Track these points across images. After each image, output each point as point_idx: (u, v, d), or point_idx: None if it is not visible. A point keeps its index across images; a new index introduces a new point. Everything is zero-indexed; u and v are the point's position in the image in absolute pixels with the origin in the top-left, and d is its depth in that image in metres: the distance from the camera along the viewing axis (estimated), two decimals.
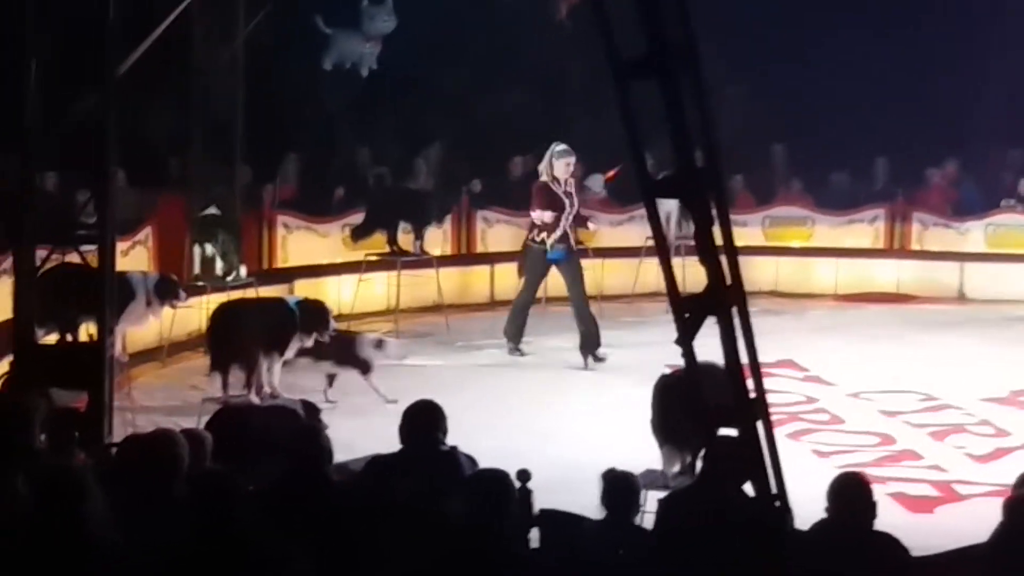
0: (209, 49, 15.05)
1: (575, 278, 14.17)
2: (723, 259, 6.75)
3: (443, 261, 16.80)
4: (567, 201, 14.07)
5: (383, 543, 6.65)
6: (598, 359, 13.96)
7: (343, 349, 12.48)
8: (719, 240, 6.80)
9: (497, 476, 6.31)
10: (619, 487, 6.80)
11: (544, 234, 14.03)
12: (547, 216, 13.94)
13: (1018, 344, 15.12)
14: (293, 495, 6.89)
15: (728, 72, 17.62)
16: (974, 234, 18.30)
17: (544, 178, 14.12)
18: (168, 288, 12.82)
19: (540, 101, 18.99)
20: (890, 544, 6.38)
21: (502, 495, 6.19)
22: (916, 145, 18.71)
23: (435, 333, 15.81)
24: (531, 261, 14.33)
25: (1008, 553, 6.27)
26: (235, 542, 5.80)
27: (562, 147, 14.14)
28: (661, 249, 7.00)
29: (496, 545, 6.03)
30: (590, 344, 14.02)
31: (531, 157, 18.65)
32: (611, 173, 18.09)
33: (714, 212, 6.80)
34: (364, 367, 12.49)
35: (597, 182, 18.27)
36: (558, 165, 14.07)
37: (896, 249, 18.46)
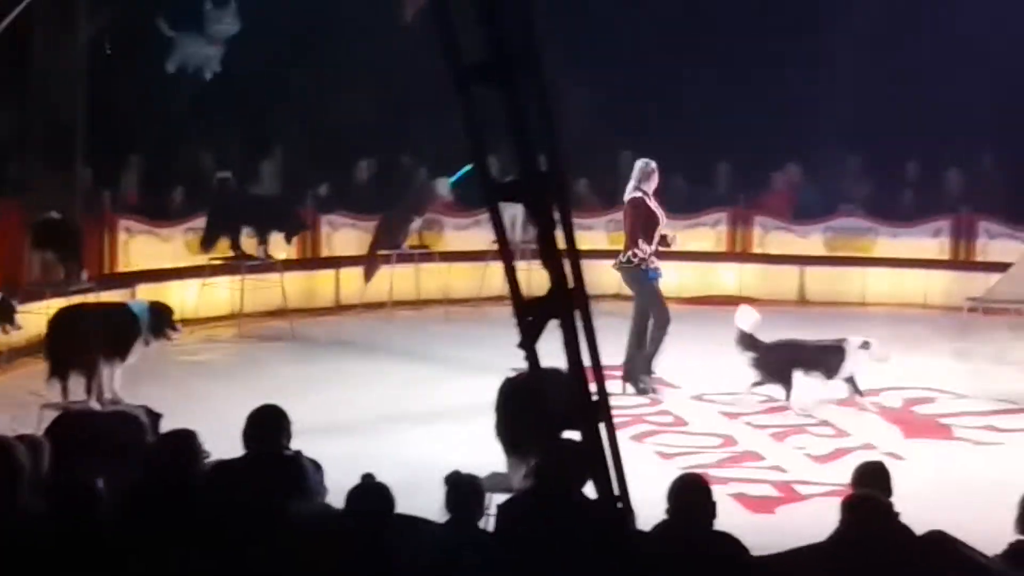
0: (49, 51, 14.82)
1: (655, 301, 13.56)
2: (566, 263, 6.78)
3: (288, 265, 16.71)
4: (661, 216, 13.54)
5: (233, 545, 6.61)
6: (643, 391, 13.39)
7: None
8: (562, 244, 6.83)
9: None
10: (462, 490, 6.81)
11: (641, 253, 13.27)
12: (651, 244, 13.36)
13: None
14: (153, 498, 6.82)
15: (573, 77, 17.76)
16: (814, 237, 18.62)
17: (638, 194, 13.40)
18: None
19: (386, 104, 18.96)
20: (730, 544, 6.46)
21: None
22: (757, 150, 19.01)
23: (280, 338, 15.72)
24: (637, 283, 13.54)
25: (846, 551, 6.38)
26: (98, 548, 5.74)
27: (650, 161, 13.58)
28: (504, 252, 7.00)
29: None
30: (642, 369, 13.48)
31: (375, 160, 18.67)
32: (458, 176, 18.13)
33: (557, 216, 6.83)
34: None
35: (443, 186, 18.26)
36: (652, 180, 13.48)
37: (738, 252, 18.73)
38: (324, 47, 19.05)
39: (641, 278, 13.36)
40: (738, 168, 19.32)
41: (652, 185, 13.43)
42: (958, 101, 18.32)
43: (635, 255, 13.25)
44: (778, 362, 12.99)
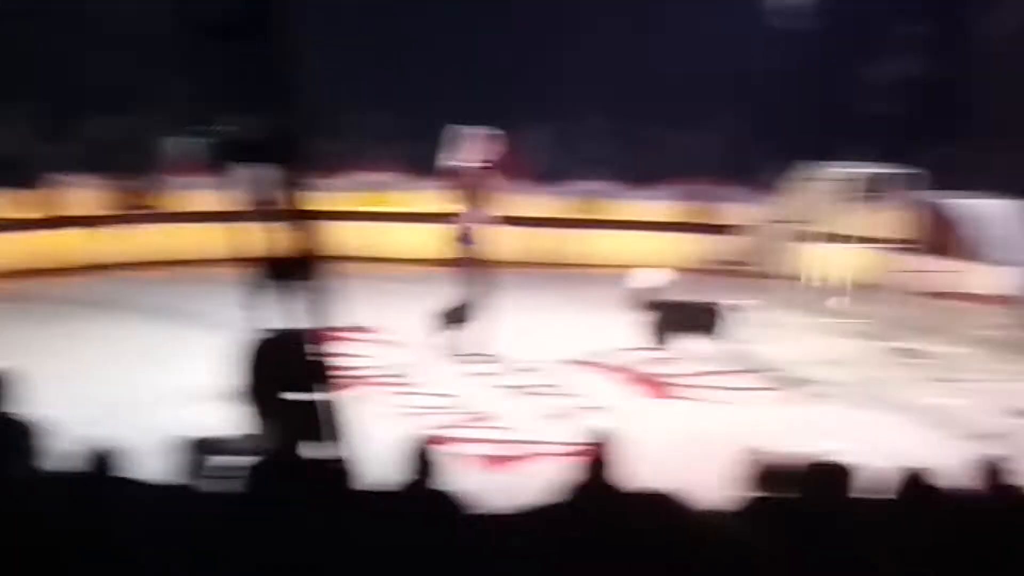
0: None
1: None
2: (303, 223, 6.75)
3: (25, 225, 16.26)
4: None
5: None
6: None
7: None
8: (301, 206, 6.80)
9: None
10: (193, 452, 6.75)
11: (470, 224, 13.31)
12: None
13: (594, 308, 15.63)
14: None
15: (323, 39, 17.61)
16: (559, 200, 18.80)
17: (467, 164, 13.41)
18: None
19: (128, 63, 18.56)
20: (460, 501, 6.50)
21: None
22: (503, 113, 19.07)
23: (15, 298, 15.32)
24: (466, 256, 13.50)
25: (573, 508, 6.47)
26: None
27: (477, 130, 13.60)
28: (242, 213, 6.94)
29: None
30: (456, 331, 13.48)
31: (117, 120, 18.30)
32: (197, 134, 17.88)
33: (295, 177, 6.79)
34: None
35: (178, 144, 18.03)
36: (480, 149, 13.45)
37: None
38: (65, 3, 18.56)
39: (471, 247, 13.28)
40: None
41: (479, 153, 13.42)
42: (696, 67, 18.68)
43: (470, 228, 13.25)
44: (665, 322, 13.21)
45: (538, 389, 12.44)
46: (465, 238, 13.17)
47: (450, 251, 13.39)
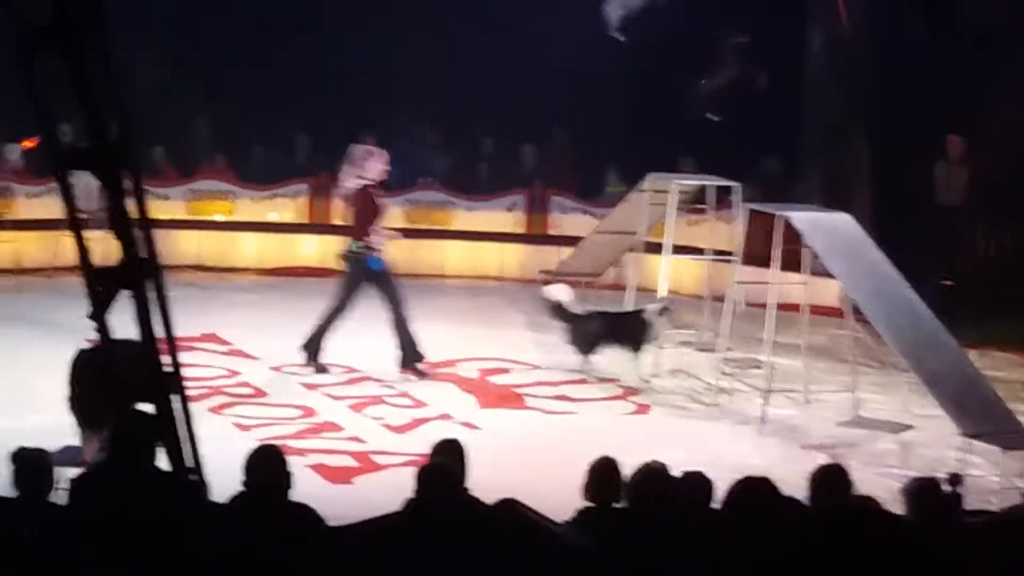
0: None
1: (394, 287, 13.27)
2: (140, 232, 6.66)
3: None
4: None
5: None
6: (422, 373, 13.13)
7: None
8: (138, 214, 6.70)
9: None
10: (28, 465, 6.63)
11: (367, 242, 13.00)
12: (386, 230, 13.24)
13: (434, 318, 15.62)
14: None
15: (149, 44, 17.44)
16: (393, 209, 18.73)
17: (360, 182, 13.09)
18: None
19: None
20: (305, 513, 6.46)
21: None
22: (337, 121, 19.05)
23: None
24: (352, 272, 13.15)
25: (417, 520, 6.47)
26: None
27: (372, 148, 13.40)
28: (73, 221, 6.83)
29: None
30: (414, 356, 13.16)
31: None
32: (29, 141, 17.56)
33: (129, 184, 6.69)
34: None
35: (14, 151, 17.68)
36: (375, 167, 13.19)
37: (318, 224, 18.72)
38: None
39: (362, 267, 13.07)
40: (318, 139, 19.32)
41: (374, 171, 13.16)
42: (532, 79, 18.79)
43: (368, 246, 13.01)
44: (589, 333, 13.29)
45: (385, 399, 12.40)
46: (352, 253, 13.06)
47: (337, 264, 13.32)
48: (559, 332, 13.67)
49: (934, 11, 16.51)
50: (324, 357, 13.17)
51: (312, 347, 13.15)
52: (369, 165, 13.13)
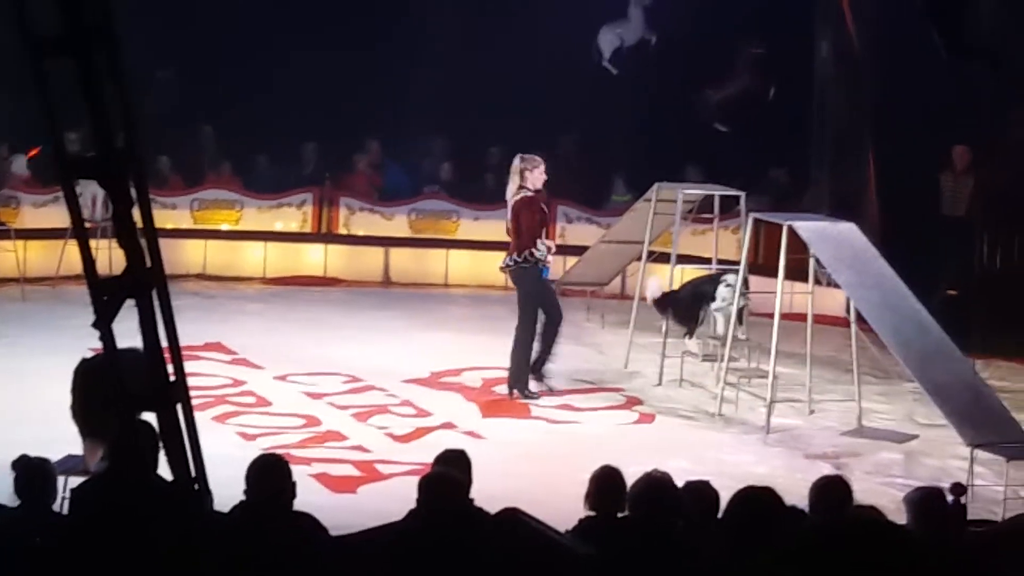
0: None
1: (557, 300, 13.12)
2: (143, 241, 6.67)
3: None
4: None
5: None
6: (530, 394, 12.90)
7: None
8: (143, 222, 6.71)
9: None
10: (30, 474, 6.64)
11: (535, 252, 12.75)
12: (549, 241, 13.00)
13: (439, 327, 15.67)
14: None
15: (156, 54, 17.45)
16: (399, 219, 18.80)
17: (528, 192, 12.81)
18: None
19: None
20: (308, 523, 6.46)
21: None
22: (343, 131, 19.08)
23: None
24: (531, 283, 12.91)
25: (421, 529, 6.47)
26: None
27: (533, 157, 13.04)
28: (79, 230, 6.84)
29: None
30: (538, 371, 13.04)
31: None
32: (34, 151, 17.60)
33: (135, 193, 6.71)
34: None
35: (20, 162, 17.72)
36: (537, 176, 12.89)
37: (324, 233, 18.74)
38: None
39: (537, 277, 12.89)
40: (324, 148, 19.34)
41: (536, 180, 12.91)
42: (539, 88, 18.80)
43: (531, 255, 12.80)
44: (688, 303, 13.44)
45: (389, 408, 12.41)
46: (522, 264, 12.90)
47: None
48: (670, 320, 13.65)
49: (943, 24, 16.48)
50: (550, 378, 13.13)
51: (537, 370, 13.01)
52: (530, 174, 12.87)
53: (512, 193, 12.89)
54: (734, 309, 13.14)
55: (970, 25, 16.65)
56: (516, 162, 12.94)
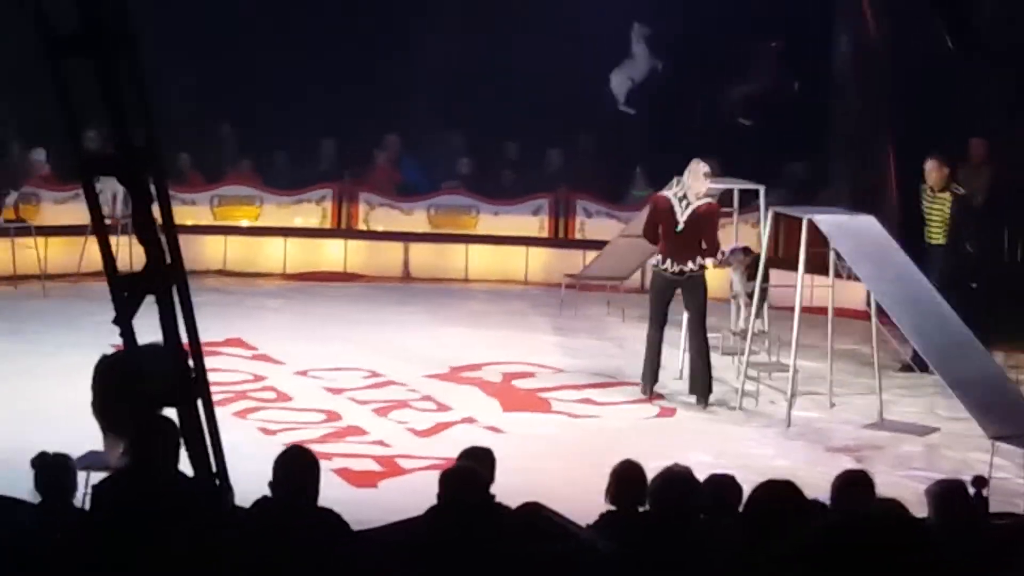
0: None
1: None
2: (163, 237, 6.70)
3: None
4: None
5: None
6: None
7: None
8: (163, 219, 6.74)
9: None
10: (51, 470, 6.66)
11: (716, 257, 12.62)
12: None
13: (459, 322, 15.68)
14: None
15: (175, 52, 17.47)
16: (418, 214, 18.80)
17: (707, 198, 12.52)
18: None
19: None
20: (330, 518, 6.46)
21: None
22: (362, 127, 19.10)
23: None
24: (702, 287, 12.56)
25: (442, 523, 6.47)
26: None
27: (705, 163, 12.66)
28: (99, 227, 6.87)
29: None
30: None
31: None
32: None
33: (154, 190, 6.73)
34: None
35: (40, 157, 17.82)
36: (706, 182, 12.57)
37: (343, 228, 18.75)
38: None
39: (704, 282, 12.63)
40: (343, 144, 19.36)
41: (705, 186, 12.59)
42: (558, 82, 18.81)
43: (723, 256, 12.85)
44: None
45: (409, 403, 12.42)
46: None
47: None
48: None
49: (950, 18, 16.46)
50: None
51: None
52: (703, 181, 12.55)
53: (697, 196, 12.46)
54: (742, 300, 13.17)
55: (975, 20, 16.64)
56: (703, 167, 12.56)
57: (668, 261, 12.45)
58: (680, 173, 13.98)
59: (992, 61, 16.62)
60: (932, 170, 14.02)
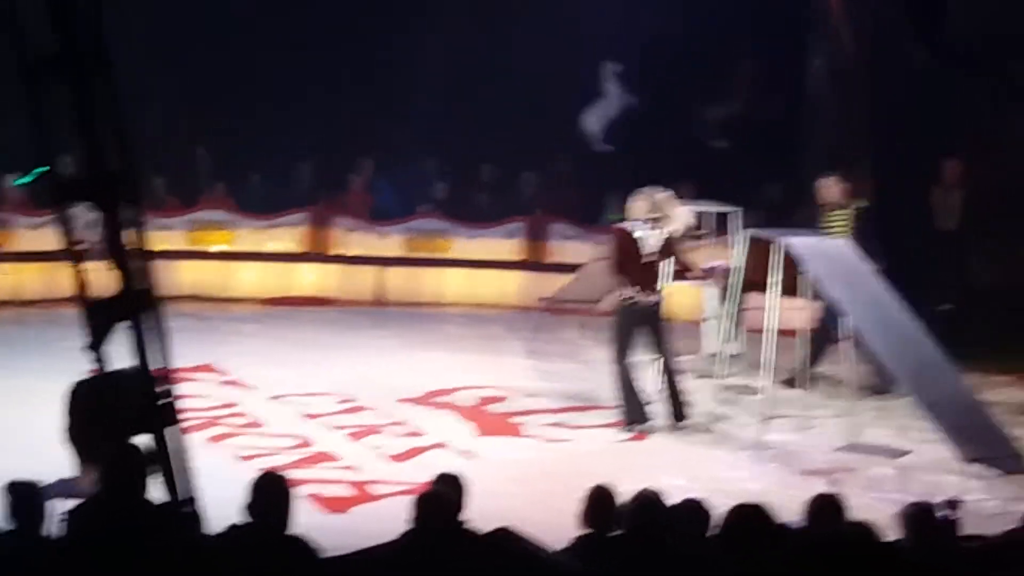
0: None
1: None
2: (138, 263, 6.70)
3: None
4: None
5: None
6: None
7: None
8: (136, 244, 6.74)
9: None
10: (22, 498, 6.63)
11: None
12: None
13: (433, 346, 15.67)
14: None
15: (150, 76, 17.48)
16: (392, 238, 18.79)
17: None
18: None
19: None
20: (300, 545, 6.44)
21: None
22: (336, 151, 19.12)
23: None
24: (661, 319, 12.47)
25: (413, 548, 6.47)
26: None
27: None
28: (72, 253, 6.87)
29: None
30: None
31: None
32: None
33: (129, 215, 6.74)
34: None
35: (12, 184, 17.79)
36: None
37: (317, 252, 18.72)
38: None
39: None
40: (317, 168, 19.37)
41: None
42: (531, 105, 18.87)
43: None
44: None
45: (382, 428, 12.40)
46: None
47: None
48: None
49: (924, 30, 16.56)
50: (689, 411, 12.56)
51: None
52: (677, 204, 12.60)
53: (661, 227, 12.43)
54: (715, 322, 13.17)
55: (949, 31, 16.73)
56: (660, 195, 12.53)
57: (641, 292, 12.45)
58: None
59: (966, 69, 16.70)
60: (824, 188, 14.03)
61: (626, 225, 12.61)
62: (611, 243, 12.81)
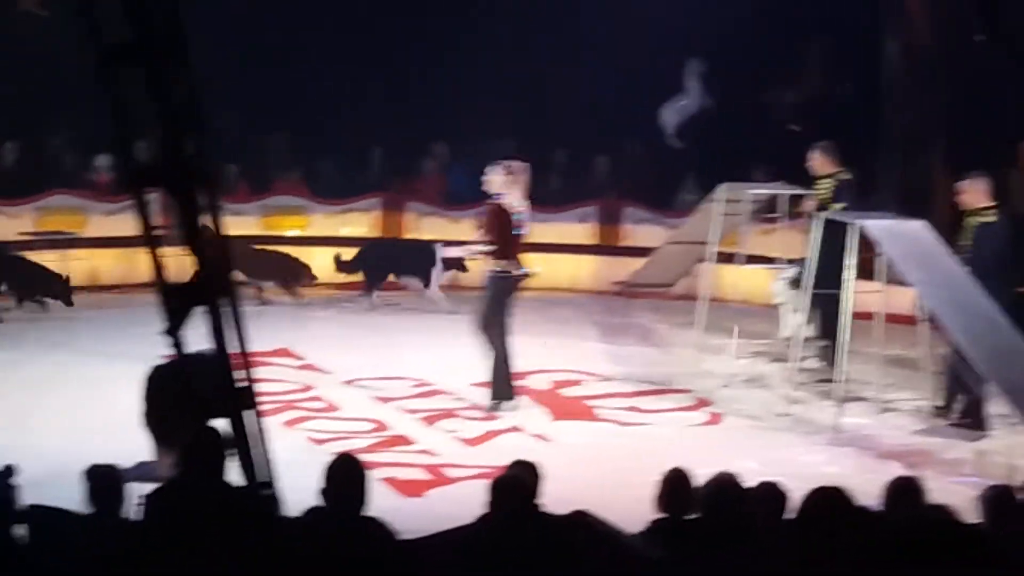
0: None
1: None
2: (214, 248, 6.73)
3: None
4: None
5: None
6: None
7: None
8: (213, 229, 6.77)
9: None
10: (102, 481, 6.69)
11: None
12: None
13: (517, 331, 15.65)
14: None
15: (224, 62, 17.56)
16: (466, 222, 18.74)
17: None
18: None
19: (29, 86, 18.35)
20: (377, 528, 6.47)
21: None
22: (409, 136, 19.14)
23: None
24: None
25: (490, 532, 6.48)
26: None
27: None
28: (149, 238, 6.91)
29: None
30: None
31: (19, 144, 18.14)
32: None
33: (204, 201, 6.77)
34: None
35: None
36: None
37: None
38: None
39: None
40: (390, 153, 19.39)
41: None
42: (605, 89, 18.81)
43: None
44: None
45: (457, 412, 12.41)
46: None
47: None
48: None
49: (983, 12, 16.38)
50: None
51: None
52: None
53: (522, 198, 12.74)
54: (789, 306, 13.09)
55: (1006, 14, 16.53)
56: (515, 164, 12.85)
57: (516, 265, 12.56)
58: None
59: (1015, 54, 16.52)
60: (812, 157, 13.92)
61: (499, 200, 12.64)
62: (489, 217, 12.78)
